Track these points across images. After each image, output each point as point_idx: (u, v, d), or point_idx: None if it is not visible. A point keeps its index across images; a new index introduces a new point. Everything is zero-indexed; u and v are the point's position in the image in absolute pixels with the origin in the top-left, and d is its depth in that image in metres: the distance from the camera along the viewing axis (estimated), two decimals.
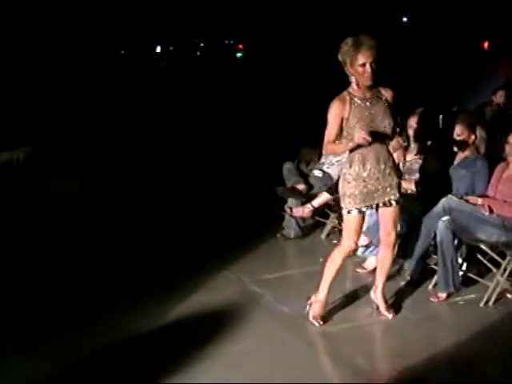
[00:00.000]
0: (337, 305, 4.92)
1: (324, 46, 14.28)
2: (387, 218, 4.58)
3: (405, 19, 14.48)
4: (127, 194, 7.99)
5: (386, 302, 4.79)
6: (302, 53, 16.67)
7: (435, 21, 13.16)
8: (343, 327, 4.58)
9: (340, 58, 4.31)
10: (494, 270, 5.14)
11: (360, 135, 4.14)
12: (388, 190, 4.47)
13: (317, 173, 6.67)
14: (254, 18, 15.31)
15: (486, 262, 5.25)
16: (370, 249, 5.68)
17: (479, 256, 5.28)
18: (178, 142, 10.66)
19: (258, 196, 7.46)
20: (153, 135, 11.10)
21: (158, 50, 24.40)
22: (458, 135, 5.49)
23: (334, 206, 6.30)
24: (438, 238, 5.01)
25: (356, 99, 4.32)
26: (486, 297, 4.96)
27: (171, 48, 25.00)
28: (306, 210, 6.41)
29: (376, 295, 4.81)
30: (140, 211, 7.39)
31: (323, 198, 6.36)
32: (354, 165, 4.41)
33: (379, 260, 4.84)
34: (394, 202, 4.51)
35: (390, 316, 4.70)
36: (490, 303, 4.94)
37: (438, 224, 5.00)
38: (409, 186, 5.77)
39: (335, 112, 4.32)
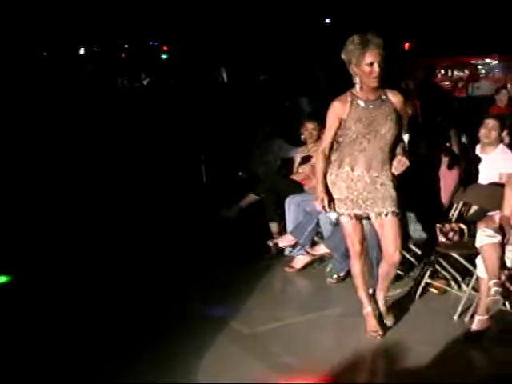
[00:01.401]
0: (265, 304, 4.94)
1: (250, 48, 14.38)
2: (384, 233, 4.20)
3: (328, 20, 14.67)
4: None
5: (386, 308, 4.53)
6: (225, 55, 16.66)
7: (358, 22, 13.39)
8: (271, 326, 4.57)
9: (345, 56, 4.06)
10: (418, 265, 5.28)
11: (319, 201, 4.17)
12: (380, 201, 4.14)
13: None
14: (178, 19, 15.19)
15: (410, 257, 5.38)
16: (297, 248, 5.74)
17: (404, 252, 5.40)
18: (104, 148, 10.53)
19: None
20: (76, 141, 10.91)
21: (82, 51, 24.01)
22: None
23: None
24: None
25: (359, 101, 4.08)
26: (410, 291, 5.09)
27: (95, 49, 24.65)
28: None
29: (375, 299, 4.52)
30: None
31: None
32: (343, 167, 4.17)
33: (381, 275, 4.46)
34: (389, 215, 4.15)
35: (387, 321, 4.48)
36: (415, 297, 5.06)
37: (363, 222, 5.07)
38: None
39: (333, 113, 4.12)
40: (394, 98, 4.14)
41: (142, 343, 4.29)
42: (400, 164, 4.06)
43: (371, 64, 3.95)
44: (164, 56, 21.89)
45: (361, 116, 4.05)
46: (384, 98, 4.11)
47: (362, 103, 4.07)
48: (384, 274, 4.41)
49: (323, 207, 4.20)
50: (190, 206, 7.81)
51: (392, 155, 4.14)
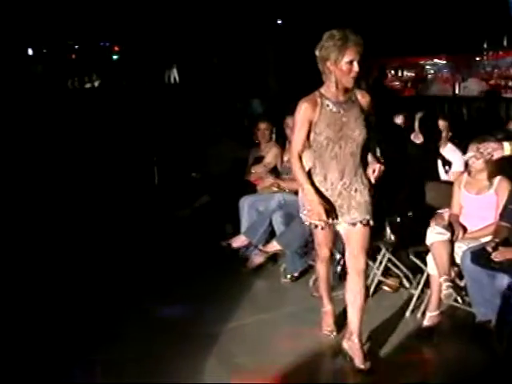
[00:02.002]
0: (220, 305, 4.93)
1: (201, 48, 14.33)
2: (352, 241, 3.92)
3: (279, 21, 14.70)
4: None
5: (363, 351, 3.95)
6: (177, 55, 16.58)
7: (309, 23, 13.46)
8: (227, 327, 4.57)
9: (321, 52, 3.74)
10: (371, 263, 5.32)
11: (317, 213, 3.80)
12: (353, 209, 3.87)
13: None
14: (129, 19, 15.05)
15: None
16: (251, 248, 5.76)
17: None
18: (54, 150, 10.35)
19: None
20: (25, 143, 10.70)
21: (30, 52, 23.59)
22: None
23: None
24: None
25: (328, 102, 3.80)
26: None
27: (44, 50, 24.27)
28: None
29: (351, 344, 4.00)
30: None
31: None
32: (315, 176, 3.91)
33: (348, 293, 4.00)
34: (358, 224, 3.88)
35: (365, 367, 3.89)
36: (369, 296, 5.11)
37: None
38: (289, 186, 5.88)
39: (304, 115, 3.82)
40: (363, 98, 3.90)
41: (96, 345, 4.26)
42: (378, 173, 3.86)
43: (351, 62, 3.69)
44: (115, 56, 21.68)
45: (331, 120, 3.78)
46: (354, 98, 3.87)
47: (331, 106, 3.80)
48: (350, 291, 3.98)
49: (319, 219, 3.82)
50: (142, 208, 7.75)
51: (364, 158, 3.91)
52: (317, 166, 3.92)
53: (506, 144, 3.85)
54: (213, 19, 13.43)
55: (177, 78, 17.69)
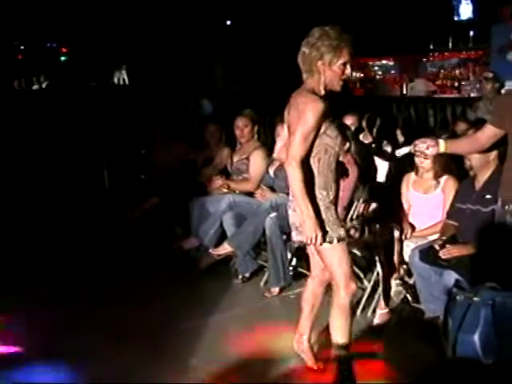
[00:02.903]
0: (171, 307, 4.90)
1: (150, 50, 14.23)
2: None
3: (228, 22, 14.70)
4: None
5: (313, 352, 3.95)
6: (126, 56, 16.44)
7: (258, 24, 13.50)
8: (178, 329, 4.53)
9: (311, 51, 3.37)
10: None
11: (312, 237, 3.37)
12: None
13: None
14: (77, 21, 14.85)
15: None
16: (202, 250, 5.75)
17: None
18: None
19: None
20: None
21: None
22: (279, 135, 5.66)
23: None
24: (268, 235, 5.14)
25: None
26: None
27: None
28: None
29: (302, 345, 3.95)
30: None
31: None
32: (330, 187, 3.48)
33: (308, 295, 3.93)
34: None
35: (317, 367, 3.89)
36: None
37: (266, 220, 5.12)
38: (239, 187, 5.89)
39: (322, 116, 3.32)
40: None
41: (45, 350, 4.20)
42: None
43: (345, 64, 3.40)
44: (63, 58, 21.38)
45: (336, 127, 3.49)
46: None
47: None
48: (312, 297, 3.91)
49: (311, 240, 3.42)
50: (93, 211, 7.64)
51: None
52: (316, 177, 3.45)
53: (441, 141, 3.92)
54: (162, 19, 13.35)
55: (126, 79, 17.54)
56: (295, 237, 3.62)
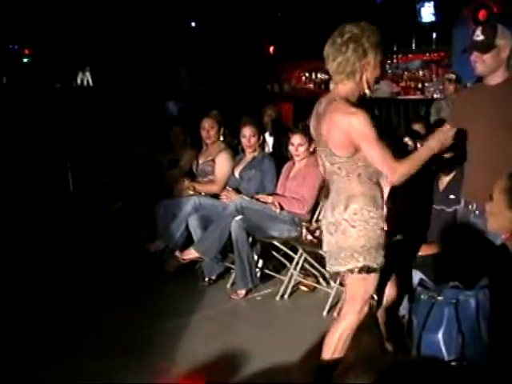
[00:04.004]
0: (137, 310, 4.88)
1: (114, 51, 14.13)
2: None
3: (193, 24, 14.66)
4: None
5: None
6: (90, 58, 16.30)
7: (222, 26, 13.50)
8: (147, 332, 4.50)
9: (356, 50, 3.05)
10: (288, 264, 5.38)
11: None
12: None
13: None
14: (40, 23, 14.67)
15: (280, 257, 5.49)
16: (167, 252, 5.72)
17: (273, 252, 5.51)
18: None
19: None
20: None
21: None
22: (245, 137, 5.68)
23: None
24: (233, 237, 5.13)
25: None
26: (281, 290, 5.17)
27: None
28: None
29: None
30: None
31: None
32: (379, 202, 3.21)
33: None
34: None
35: None
36: (286, 296, 5.16)
37: (232, 223, 5.12)
38: (204, 189, 5.88)
39: (369, 120, 3.03)
40: None
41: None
42: None
43: (382, 62, 3.17)
44: (26, 60, 21.14)
45: None
46: None
47: None
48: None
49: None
50: (58, 214, 7.54)
51: None
52: (359, 194, 3.15)
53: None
54: (127, 21, 13.26)
55: (90, 81, 17.39)
56: (331, 267, 3.30)
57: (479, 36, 3.54)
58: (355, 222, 3.12)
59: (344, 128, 3.03)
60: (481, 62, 3.55)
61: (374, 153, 3.04)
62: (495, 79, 3.57)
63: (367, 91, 3.15)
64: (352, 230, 3.13)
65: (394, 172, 3.08)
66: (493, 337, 3.24)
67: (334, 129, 3.07)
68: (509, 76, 3.59)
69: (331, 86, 3.30)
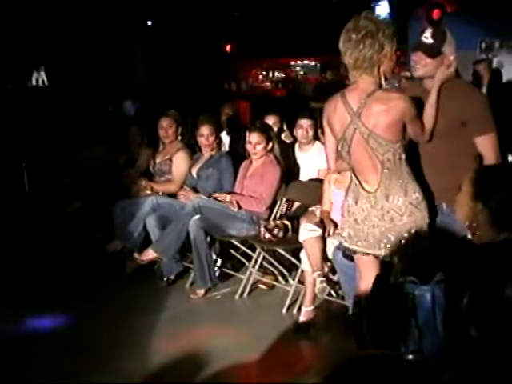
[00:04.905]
0: (97, 311, 4.83)
1: (70, 50, 13.96)
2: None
3: (149, 23, 14.59)
4: None
5: None
6: (45, 57, 16.06)
7: (178, 25, 13.47)
8: (108, 333, 4.47)
9: (374, 44, 3.14)
10: (247, 263, 5.39)
11: None
12: None
13: None
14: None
15: (238, 255, 5.51)
16: (126, 252, 5.68)
17: (232, 251, 5.52)
18: None
19: None
20: None
21: None
22: (202, 135, 5.67)
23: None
24: (192, 237, 5.12)
25: None
26: (240, 289, 5.18)
27: None
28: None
29: None
30: None
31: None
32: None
33: None
34: None
35: None
36: (245, 295, 5.17)
37: (190, 223, 5.11)
38: (162, 188, 5.85)
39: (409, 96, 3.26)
40: None
41: None
42: None
43: (396, 50, 3.27)
44: None
45: None
46: None
47: None
48: None
49: None
50: (12, 216, 7.42)
51: None
52: (409, 179, 3.34)
53: None
54: (83, 19, 13.12)
55: (45, 80, 17.13)
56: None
57: (428, 38, 3.49)
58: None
59: (399, 111, 3.18)
60: (423, 65, 3.49)
61: (418, 127, 3.31)
62: (430, 84, 3.51)
63: (383, 82, 3.25)
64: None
65: (425, 133, 3.37)
66: (448, 331, 3.29)
67: (386, 116, 3.18)
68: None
69: (351, 78, 3.35)
